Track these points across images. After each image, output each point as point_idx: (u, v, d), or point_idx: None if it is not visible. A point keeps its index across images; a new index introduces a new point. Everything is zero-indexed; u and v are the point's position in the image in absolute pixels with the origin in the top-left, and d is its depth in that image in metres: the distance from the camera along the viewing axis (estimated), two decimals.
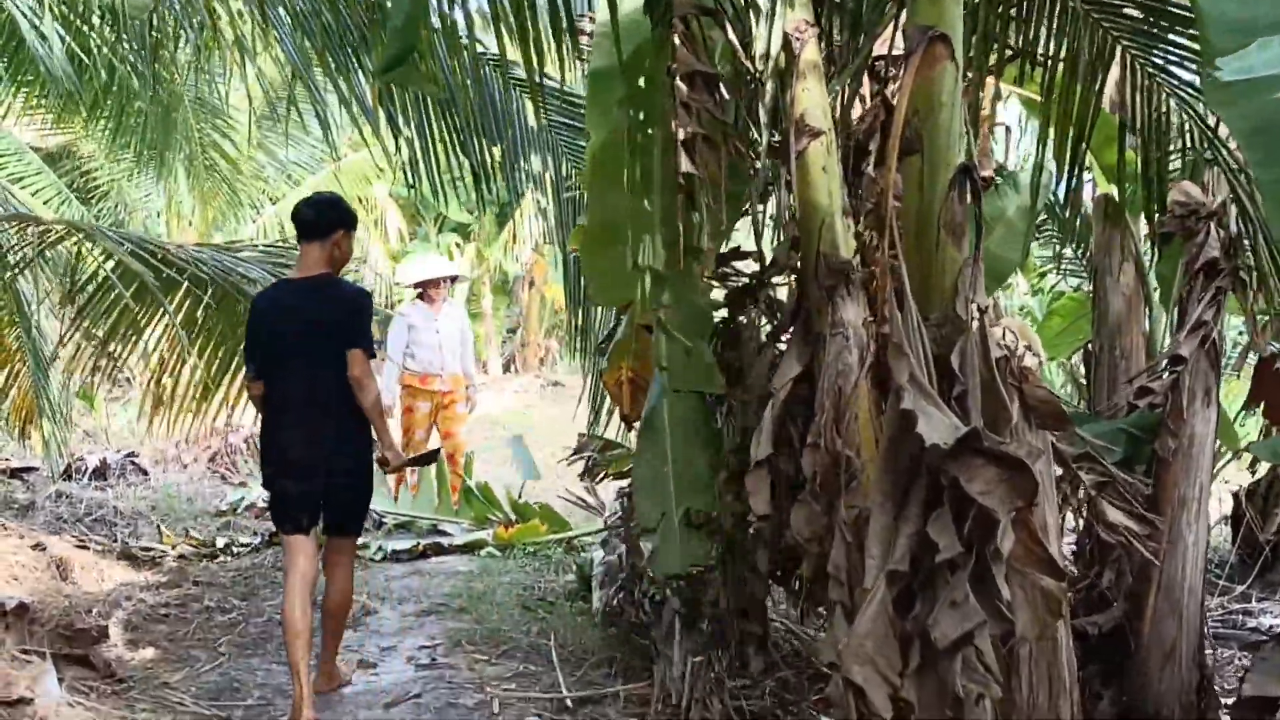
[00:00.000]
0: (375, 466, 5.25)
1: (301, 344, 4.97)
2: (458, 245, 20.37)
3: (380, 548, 8.04)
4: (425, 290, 9.53)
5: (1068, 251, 7.52)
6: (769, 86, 4.25)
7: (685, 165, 4.20)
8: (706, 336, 4.58)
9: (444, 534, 8.62)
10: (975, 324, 3.43)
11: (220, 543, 7.84)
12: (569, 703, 4.94)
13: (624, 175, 4.63)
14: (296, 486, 5.03)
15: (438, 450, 7.33)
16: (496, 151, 7.35)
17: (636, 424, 5.16)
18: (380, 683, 5.39)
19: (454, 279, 10.00)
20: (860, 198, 4.13)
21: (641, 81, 4.42)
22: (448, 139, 6.68)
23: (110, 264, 6.92)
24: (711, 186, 4.38)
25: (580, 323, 7.40)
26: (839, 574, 3.73)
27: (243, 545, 7.88)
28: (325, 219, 5.07)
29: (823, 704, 4.95)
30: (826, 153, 3.97)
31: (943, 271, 3.43)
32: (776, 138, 4.26)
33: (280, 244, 8.20)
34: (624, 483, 7.57)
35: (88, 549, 7.46)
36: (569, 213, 7.39)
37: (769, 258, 4.53)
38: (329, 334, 4.94)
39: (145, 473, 9.73)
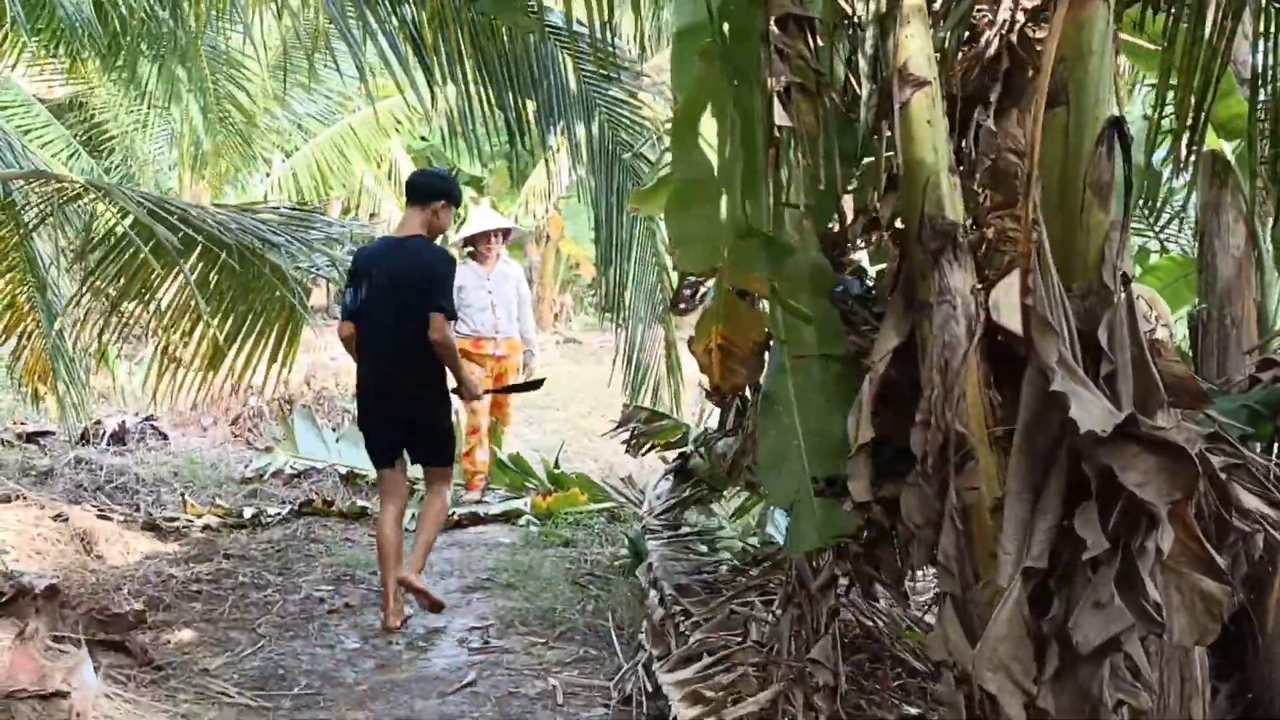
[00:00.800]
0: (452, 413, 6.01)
1: (385, 296, 5.59)
2: (472, 199, 19.95)
3: (413, 516, 7.71)
4: (476, 246, 8.63)
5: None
6: (869, 33, 3.90)
7: (781, 117, 3.85)
8: (826, 295, 4.23)
9: (480, 502, 8.31)
10: (1122, 295, 3.09)
11: (248, 513, 7.51)
12: (640, 689, 4.62)
13: (714, 131, 4.31)
14: (380, 427, 5.76)
15: (540, 380, 7.23)
16: (530, 105, 6.99)
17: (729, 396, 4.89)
18: (433, 668, 5.08)
19: (507, 233, 9.03)
20: (973, 153, 3.78)
21: (730, 29, 4.06)
22: (484, 90, 6.28)
23: (127, 222, 6.56)
24: (809, 140, 4.05)
25: (614, 284, 7.04)
26: (949, 563, 3.44)
27: (271, 515, 7.55)
28: (430, 188, 5.80)
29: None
30: (932, 105, 3.64)
31: (1087, 236, 3.09)
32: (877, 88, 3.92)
33: (302, 206, 7.85)
34: (671, 454, 7.30)
35: (110, 520, 7.15)
36: (603, 169, 7.00)
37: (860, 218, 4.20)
38: (410, 289, 5.53)
39: (165, 437, 9.39)
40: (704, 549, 5.97)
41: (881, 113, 3.87)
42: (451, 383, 5.81)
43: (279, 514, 7.59)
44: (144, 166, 13.72)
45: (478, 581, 6.37)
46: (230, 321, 7.28)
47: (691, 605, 5.07)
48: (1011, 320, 3.41)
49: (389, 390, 5.64)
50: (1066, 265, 3.06)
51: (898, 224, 3.91)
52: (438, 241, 5.91)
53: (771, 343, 4.47)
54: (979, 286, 3.51)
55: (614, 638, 5.30)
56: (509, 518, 7.82)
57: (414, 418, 5.71)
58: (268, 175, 14.87)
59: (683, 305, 5.54)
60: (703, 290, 5.76)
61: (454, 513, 7.75)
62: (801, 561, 4.68)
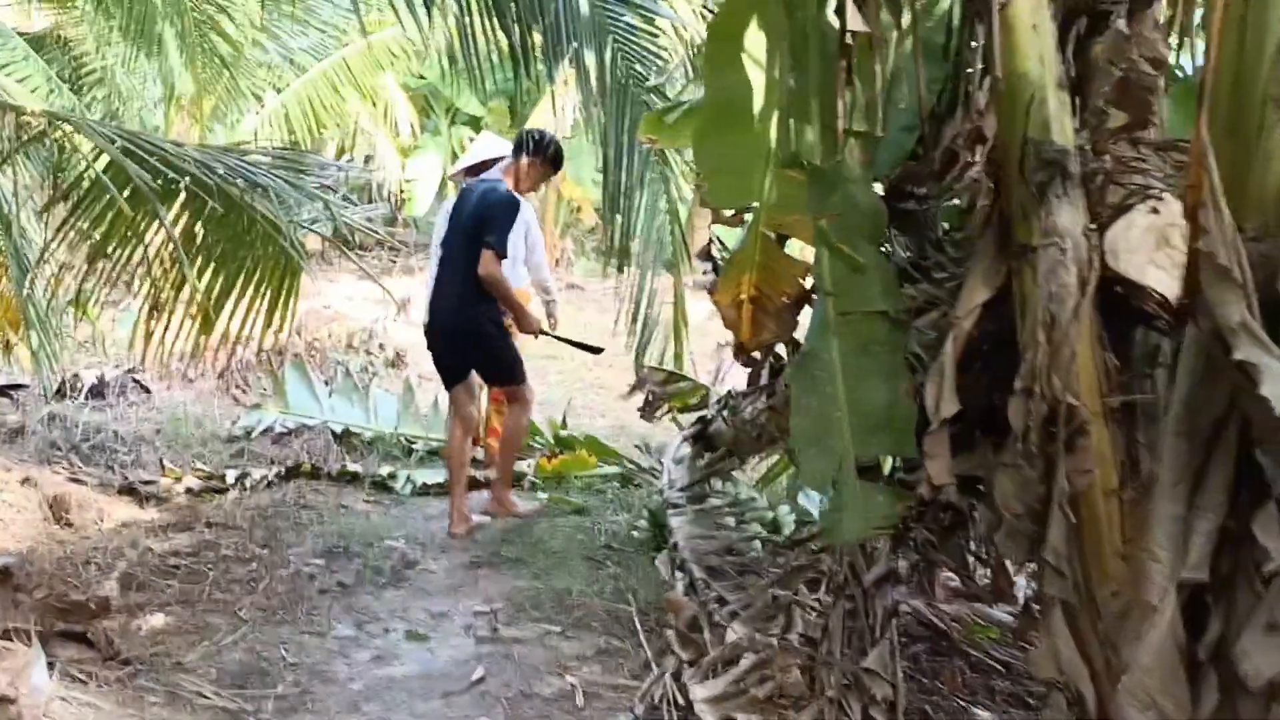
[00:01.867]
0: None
1: (453, 234, 6.31)
2: (471, 139, 19.24)
3: (409, 479, 7.13)
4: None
5: None
6: None
7: (855, 20, 3.24)
8: (878, 243, 3.62)
9: (479, 463, 7.73)
10: None
11: (232, 476, 6.90)
12: (669, 701, 4.04)
13: (757, 46, 3.72)
14: (444, 352, 6.34)
15: (600, 348, 6.91)
16: (536, 33, 6.34)
17: (755, 355, 4.31)
18: (436, 662, 4.51)
19: None
20: (1087, 64, 3.17)
21: None
22: (485, 17, 5.62)
23: (101, 163, 5.93)
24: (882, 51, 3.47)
25: (621, 230, 6.40)
26: (1059, 562, 2.89)
27: (258, 479, 6.96)
28: (526, 143, 6.31)
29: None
30: (1038, 3, 3.05)
31: (1266, 165, 2.46)
32: None
33: (293, 147, 7.21)
34: (688, 419, 6.73)
35: (84, 483, 6.59)
36: (615, 105, 6.34)
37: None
38: (473, 226, 6.11)
39: (148, 390, 8.77)
40: (733, 524, 5.39)
41: (974, 14, 3.29)
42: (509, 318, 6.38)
43: (266, 477, 7.00)
44: (128, 103, 13.00)
45: (483, 556, 5.80)
46: (221, 279, 6.66)
47: (725, 590, 4.50)
48: (1134, 267, 2.83)
49: (450, 320, 6.20)
50: (1238, 201, 2.44)
51: (991, 152, 3.34)
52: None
53: (814, 296, 3.90)
54: (1092, 227, 2.92)
55: (638, 626, 4.73)
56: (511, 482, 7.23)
57: (473, 345, 6.22)
58: (258, 112, 14.14)
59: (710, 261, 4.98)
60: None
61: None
62: (854, 546, 4.11)
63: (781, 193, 3.88)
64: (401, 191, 18.98)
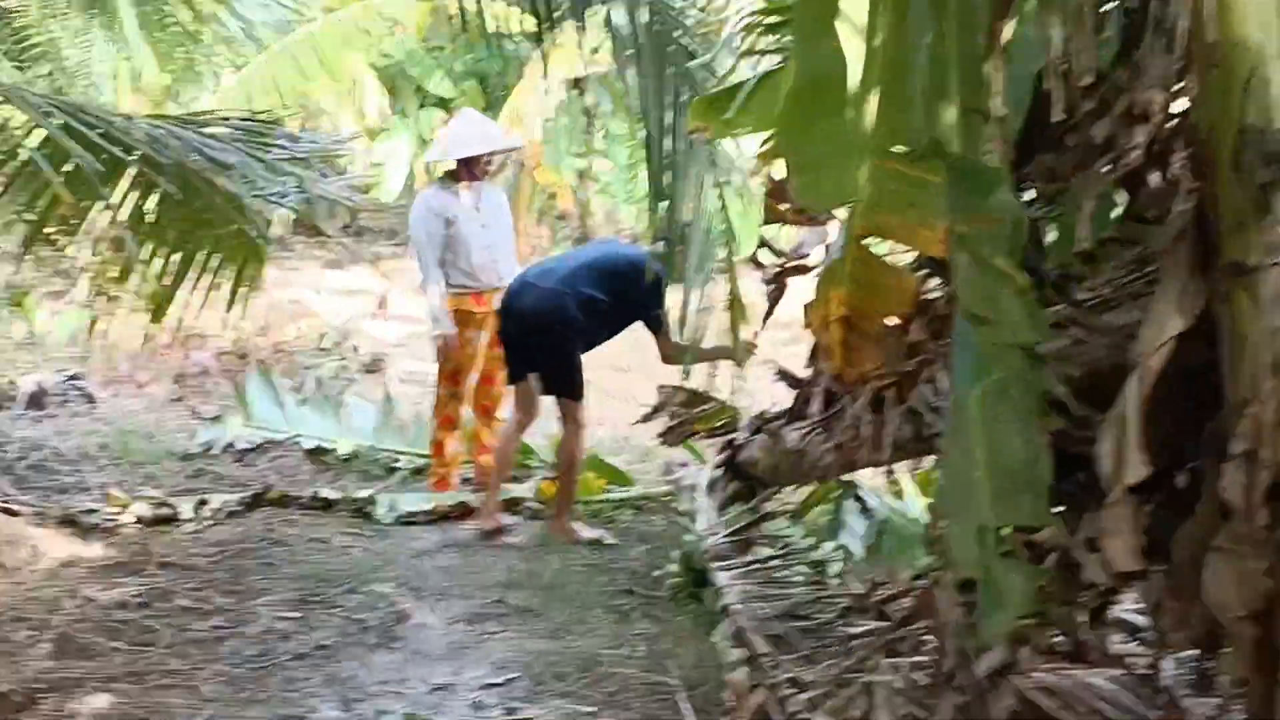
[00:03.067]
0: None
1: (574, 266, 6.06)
2: (442, 123, 18.31)
3: (391, 506, 6.25)
4: (471, 169, 6.41)
5: None
6: None
7: None
8: (1019, 256, 2.80)
9: (467, 481, 6.90)
10: None
11: (186, 508, 5.99)
12: None
13: (858, 7, 2.92)
14: (509, 346, 6.01)
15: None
16: None
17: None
18: None
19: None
20: None
21: None
22: None
23: (37, 138, 5.06)
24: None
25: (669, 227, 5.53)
26: None
27: (219, 507, 6.06)
28: None
29: None
30: None
31: None
32: None
33: (262, 116, 6.33)
34: (714, 443, 5.95)
35: (17, 514, 5.70)
36: (654, 75, 5.47)
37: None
38: (622, 283, 5.91)
39: (92, 399, 7.84)
40: (789, 575, 4.57)
41: None
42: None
43: (228, 505, 6.11)
44: (74, 80, 12.02)
45: (487, 606, 4.95)
46: (175, 262, 5.83)
47: (796, 666, 3.69)
48: None
49: (532, 306, 5.83)
50: None
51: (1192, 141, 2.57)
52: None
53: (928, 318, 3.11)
54: None
55: (685, 708, 3.90)
56: (509, 507, 6.37)
57: (531, 341, 5.84)
58: (215, 91, 13.19)
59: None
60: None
61: (435, 504, 6.30)
62: (957, 620, 3.31)
63: (881, 189, 3.09)
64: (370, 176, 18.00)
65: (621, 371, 9.03)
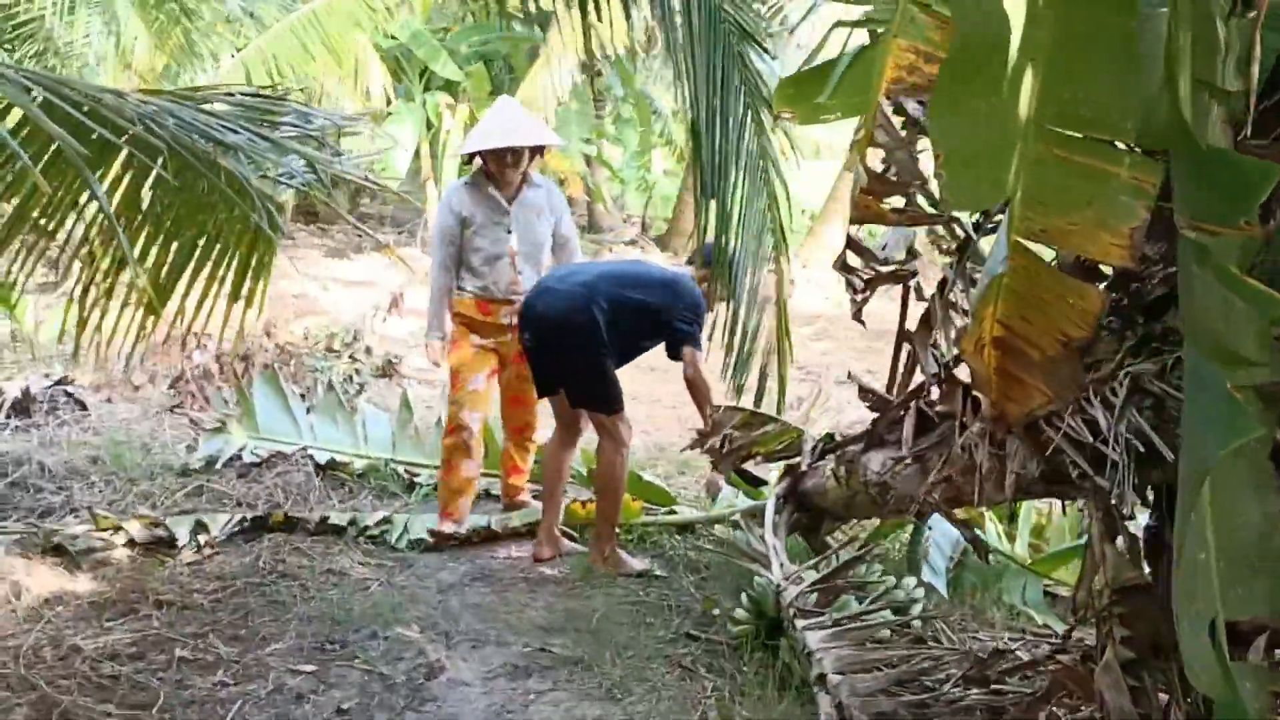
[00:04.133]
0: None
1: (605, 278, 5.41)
2: (448, 107, 17.66)
3: (404, 530, 5.63)
4: (501, 166, 5.57)
5: None
6: None
7: None
8: (1246, 265, 2.19)
9: (498, 498, 6.30)
10: None
11: (184, 533, 5.38)
12: None
13: None
14: (529, 346, 5.36)
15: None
16: None
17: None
18: None
19: (539, 150, 5.90)
20: None
21: None
22: None
23: (15, 117, 4.44)
24: None
25: (717, 220, 4.89)
26: None
27: (221, 532, 5.44)
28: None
29: None
30: None
31: None
32: None
33: (267, 91, 5.69)
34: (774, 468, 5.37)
35: None
36: (705, 55, 4.84)
37: None
38: (659, 299, 5.31)
39: (84, 406, 7.20)
40: (876, 622, 3.95)
41: None
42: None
43: (232, 526, 5.50)
44: (66, 61, 11.38)
45: (529, 655, 4.34)
46: (173, 254, 5.23)
47: None
48: None
49: (558, 309, 5.25)
50: None
51: None
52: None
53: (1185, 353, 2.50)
54: None
55: None
56: (533, 530, 5.76)
57: (552, 347, 5.29)
58: (214, 71, 12.57)
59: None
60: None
61: (456, 530, 5.66)
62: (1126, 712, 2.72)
63: (1047, 183, 2.49)
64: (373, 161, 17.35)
65: (648, 372, 8.44)
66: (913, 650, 3.67)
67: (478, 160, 5.70)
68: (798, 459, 4.99)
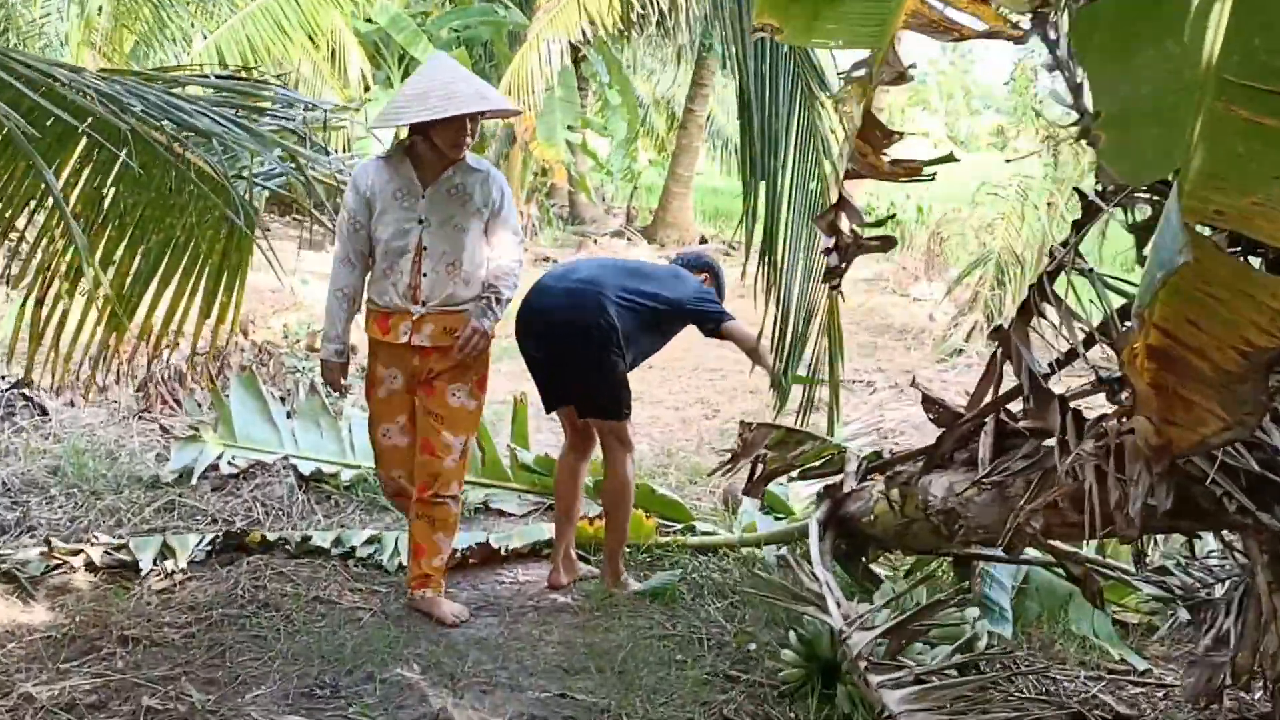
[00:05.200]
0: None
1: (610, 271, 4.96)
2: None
3: (397, 548, 5.07)
4: (459, 134, 4.24)
5: None
6: None
7: None
8: None
9: (497, 511, 5.78)
10: None
11: (148, 556, 4.82)
12: None
13: None
14: (530, 351, 4.87)
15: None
16: None
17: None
18: None
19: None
20: None
21: None
22: None
23: None
24: None
25: (768, 206, 4.33)
26: None
27: (192, 553, 4.90)
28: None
29: None
30: None
31: None
32: None
33: (244, 74, 5.15)
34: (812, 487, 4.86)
35: None
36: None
37: None
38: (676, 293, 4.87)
39: (44, 411, 6.62)
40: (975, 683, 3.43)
41: None
42: None
43: (205, 547, 4.96)
44: (27, 38, 10.78)
45: (547, 703, 3.79)
46: (139, 257, 4.77)
47: None
48: None
49: (532, 320, 4.78)
50: None
51: None
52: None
53: None
54: None
55: None
56: (539, 551, 5.24)
57: (556, 354, 4.76)
58: (186, 51, 12.00)
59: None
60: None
61: (456, 549, 5.10)
62: None
63: (1227, 151, 1.99)
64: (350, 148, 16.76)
65: (648, 370, 7.95)
66: (1000, 708, 3.15)
67: (403, 131, 4.49)
68: (838, 477, 4.48)
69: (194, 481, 5.73)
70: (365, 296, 4.50)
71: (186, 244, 5.00)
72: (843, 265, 3.47)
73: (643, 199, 22.67)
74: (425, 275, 4.36)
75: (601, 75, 18.78)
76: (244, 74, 5.01)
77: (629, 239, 18.73)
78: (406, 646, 4.22)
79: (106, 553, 4.83)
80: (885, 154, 2.97)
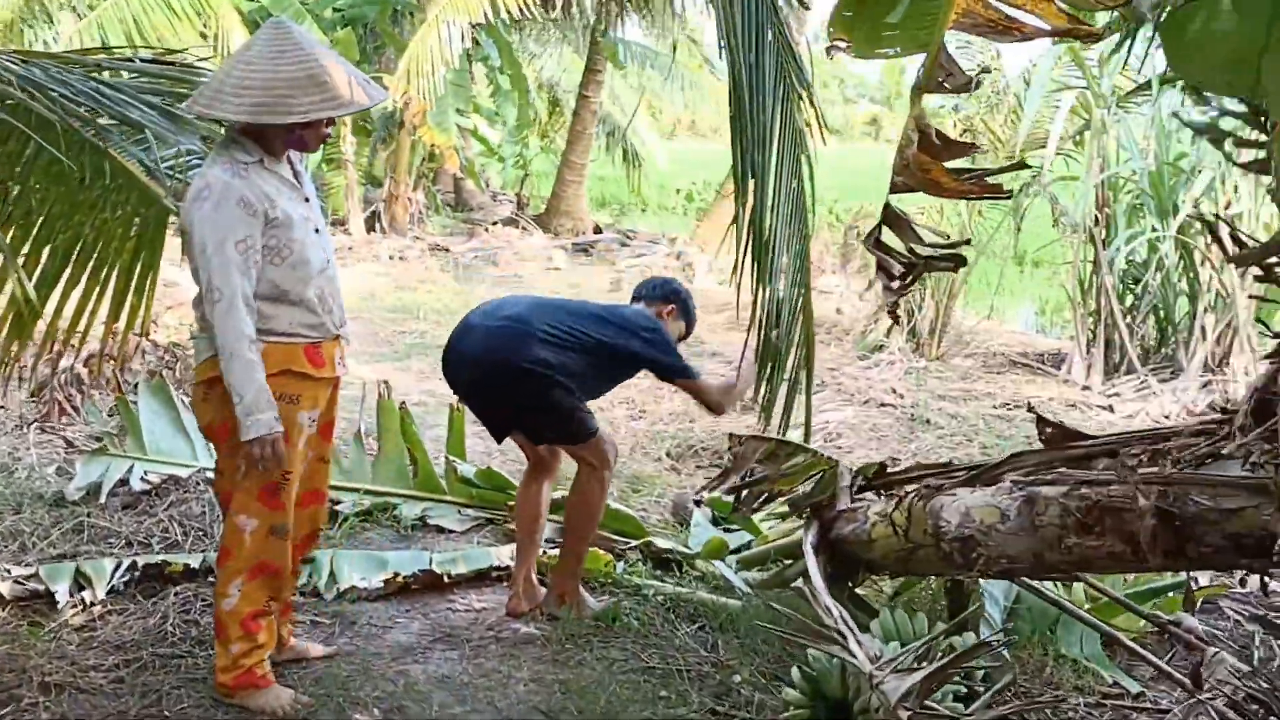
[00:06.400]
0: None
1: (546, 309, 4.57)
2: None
3: (333, 575, 4.70)
4: (318, 126, 3.51)
5: None
6: None
7: None
8: None
9: (435, 528, 5.42)
10: None
11: (62, 587, 4.35)
12: None
13: None
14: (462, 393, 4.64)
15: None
16: None
17: None
18: None
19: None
20: None
21: None
22: None
23: None
24: None
25: (755, 200, 4.00)
26: None
27: (115, 585, 4.47)
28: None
29: None
30: None
31: None
32: None
33: (170, 56, 4.70)
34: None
35: None
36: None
37: None
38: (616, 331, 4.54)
39: None
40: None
41: None
42: None
43: (121, 577, 4.51)
44: None
45: None
46: (45, 256, 4.38)
47: None
48: None
49: (460, 363, 4.45)
50: None
51: None
52: None
53: None
54: None
55: None
56: (484, 575, 4.87)
57: (493, 397, 4.45)
58: (57, 28, 11.34)
59: None
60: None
61: (396, 574, 4.74)
62: None
63: None
64: None
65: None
66: None
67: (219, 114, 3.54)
68: (824, 496, 4.22)
69: (103, 499, 5.25)
70: (272, 329, 3.51)
71: (96, 242, 4.60)
72: (898, 286, 3.20)
73: (533, 186, 22.28)
74: (339, 291, 3.74)
75: (493, 59, 18.32)
76: (170, 58, 4.54)
77: (524, 227, 18.33)
78: (361, 686, 3.86)
79: (16, 582, 4.38)
80: (949, 168, 2.72)
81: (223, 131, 3.70)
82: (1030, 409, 4.08)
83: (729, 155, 3.86)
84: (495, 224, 18.76)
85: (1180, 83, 9.07)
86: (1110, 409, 8.39)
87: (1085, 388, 9.03)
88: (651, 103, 25.27)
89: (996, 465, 3.53)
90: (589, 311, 4.51)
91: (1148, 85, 9.11)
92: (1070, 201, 9.55)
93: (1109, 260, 9.08)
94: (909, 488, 3.77)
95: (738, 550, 5.10)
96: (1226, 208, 8.52)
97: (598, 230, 19.01)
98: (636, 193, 23.90)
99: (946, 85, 2.65)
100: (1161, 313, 9.49)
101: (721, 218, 16.17)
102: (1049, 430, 3.43)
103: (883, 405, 8.28)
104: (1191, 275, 9.16)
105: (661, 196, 25.35)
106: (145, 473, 5.42)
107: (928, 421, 7.87)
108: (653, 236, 18.77)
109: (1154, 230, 9.10)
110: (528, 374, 4.21)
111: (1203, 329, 8.83)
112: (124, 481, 5.38)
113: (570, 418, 4.35)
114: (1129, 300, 9.48)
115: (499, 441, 4.69)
